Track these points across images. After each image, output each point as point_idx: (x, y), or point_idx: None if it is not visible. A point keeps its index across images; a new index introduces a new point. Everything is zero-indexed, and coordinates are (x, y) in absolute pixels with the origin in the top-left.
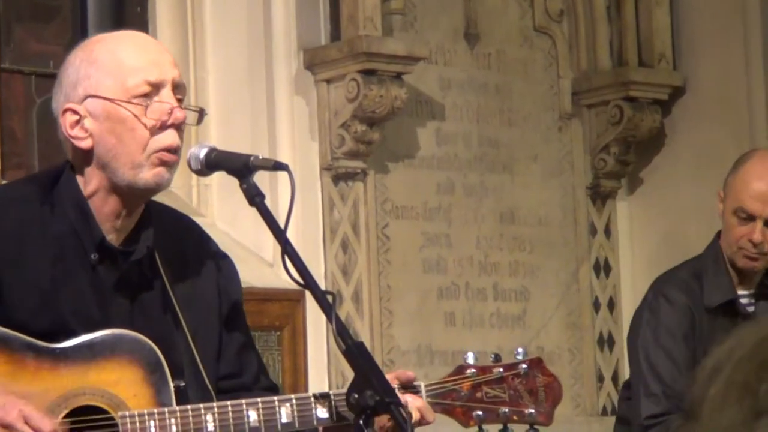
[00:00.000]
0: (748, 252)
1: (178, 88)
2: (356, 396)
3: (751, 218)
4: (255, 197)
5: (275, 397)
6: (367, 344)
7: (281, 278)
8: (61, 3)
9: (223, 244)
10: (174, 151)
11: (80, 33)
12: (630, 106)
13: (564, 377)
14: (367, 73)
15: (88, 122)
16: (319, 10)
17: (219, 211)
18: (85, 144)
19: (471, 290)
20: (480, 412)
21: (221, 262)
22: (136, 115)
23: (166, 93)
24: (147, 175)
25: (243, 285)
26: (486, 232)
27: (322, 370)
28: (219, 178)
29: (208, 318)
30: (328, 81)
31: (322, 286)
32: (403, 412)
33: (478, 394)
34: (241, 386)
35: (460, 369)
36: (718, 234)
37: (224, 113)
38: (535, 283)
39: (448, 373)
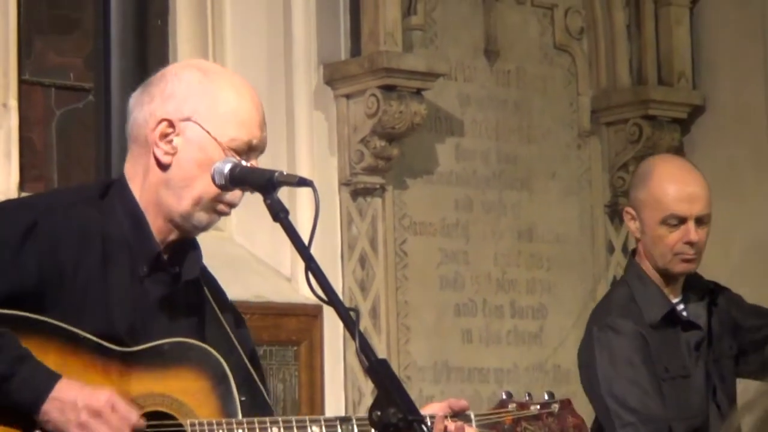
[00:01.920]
0: (686, 255)
1: (261, 149)
2: (379, 414)
3: (682, 222)
4: (279, 213)
5: (337, 416)
6: None
7: (299, 293)
8: (81, 16)
9: (241, 258)
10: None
11: (101, 46)
12: (649, 125)
13: (580, 396)
14: (387, 88)
15: (178, 141)
16: (340, 25)
17: (237, 225)
18: (165, 159)
19: (488, 307)
20: None
21: (240, 313)
22: None
23: (253, 155)
24: (203, 217)
25: (260, 299)
26: (504, 249)
27: (339, 386)
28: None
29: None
30: (348, 96)
31: None
32: (426, 430)
33: (518, 429)
34: None
35: (503, 403)
36: (632, 253)
37: None
38: (553, 300)
39: (492, 405)
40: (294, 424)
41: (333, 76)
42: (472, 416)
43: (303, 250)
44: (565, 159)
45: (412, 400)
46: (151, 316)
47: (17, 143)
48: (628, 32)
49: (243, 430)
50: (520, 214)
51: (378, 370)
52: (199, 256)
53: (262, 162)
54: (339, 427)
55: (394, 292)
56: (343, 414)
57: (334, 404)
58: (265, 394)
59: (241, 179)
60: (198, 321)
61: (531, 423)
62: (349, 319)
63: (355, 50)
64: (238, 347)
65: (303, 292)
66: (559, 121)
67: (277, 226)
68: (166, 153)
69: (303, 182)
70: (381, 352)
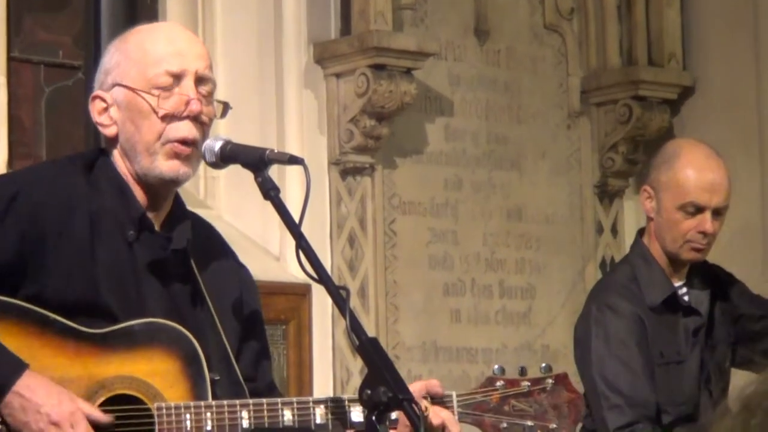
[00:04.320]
0: (697, 244)
1: (203, 81)
2: (369, 392)
3: (699, 210)
4: (270, 191)
5: (310, 398)
6: None
7: (287, 272)
8: None
9: (230, 237)
10: (189, 143)
11: (91, 24)
12: (639, 105)
13: (570, 375)
14: (377, 68)
15: (113, 110)
16: (330, 4)
17: (226, 203)
18: (109, 131)
19: (477, 287)
20: (506, 425)
21: (242, 270)
22: (151, 105)
23: (187, 84)
24: (162, 166)
25: None
26: (493, 229)
27: (327, 365)
28: (227, 170)
29: (232, 318)
30: (338, 75)
31: None
32: (416, 409)
33: (506, 407)
34: (253, 391)
35: (490, 380)
36: (640, 232)
37: (233, 106)
38: (541, 280)
39: (479, 384)
40: (264, 407)
41: (323, 55)
42: (454, 397)
43: (294, 228)
44: (554, 139)
45: (402, 379)
46: (143, 280)
47: (6, 121)
48: (618, 13)
49: (211, 413)
50: (509, 194)
51: (368, 348)
52: (188, 228)
53: (250, 141)
54: (312, 409)
55: (383, 272)
56: (331, 394)
57: (323, 383)
58: (239, 374)
59: (231, 157)
60: (184, 292)
61: (520, 400)
62: (340, 297)
63: (345, 29)
64: (217, 321)
65: (291, 271)
66: (548, 102)
67: (266, 204)
68: (108, 126)
69: (294, 160)
70: (369, 332)
